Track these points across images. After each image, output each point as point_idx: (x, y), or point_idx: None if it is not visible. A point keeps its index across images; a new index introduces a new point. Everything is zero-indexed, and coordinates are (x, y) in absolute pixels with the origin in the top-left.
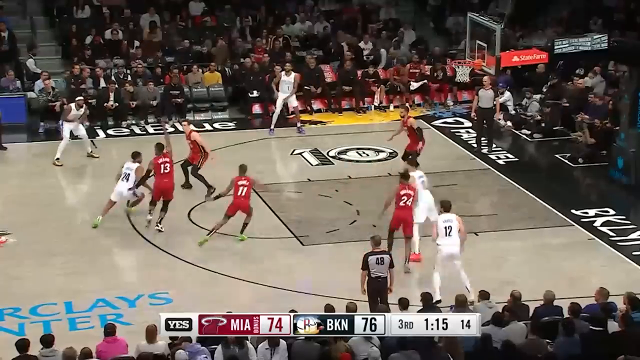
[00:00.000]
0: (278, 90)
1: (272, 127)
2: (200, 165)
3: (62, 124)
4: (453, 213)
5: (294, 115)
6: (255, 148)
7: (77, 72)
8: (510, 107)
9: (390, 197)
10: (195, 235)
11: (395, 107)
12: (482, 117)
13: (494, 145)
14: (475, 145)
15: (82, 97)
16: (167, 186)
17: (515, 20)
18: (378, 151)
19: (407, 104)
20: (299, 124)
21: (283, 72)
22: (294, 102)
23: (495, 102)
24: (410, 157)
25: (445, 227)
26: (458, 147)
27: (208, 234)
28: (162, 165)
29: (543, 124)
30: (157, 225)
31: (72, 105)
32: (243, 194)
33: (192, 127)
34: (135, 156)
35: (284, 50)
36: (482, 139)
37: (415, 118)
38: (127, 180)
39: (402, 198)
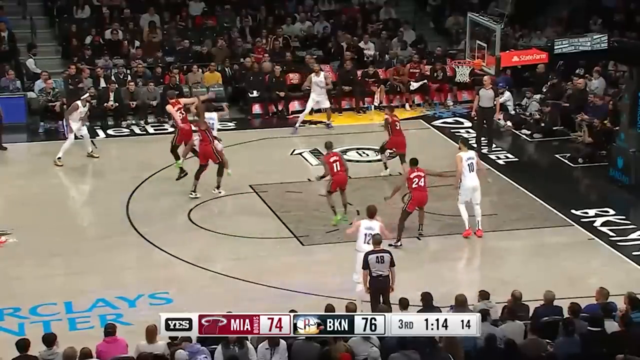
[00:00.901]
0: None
1: (297, 125)
2: (175, 142)
3: (65, 123)
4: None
5: (323, 115)
6: (255, 148)
7: (73, 72)
8: (510, 107)
9: (400, 183)
10: (195, 235)
11: (394, 107)
12: (482, 116)
13: (493, 145)
14: (475, 145)
15: (88, 94)
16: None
17: (515, 20)
18: (378, 151)
19: (389, 105)
20: (327, 122)
21: (313, 73)
22: (325, 103)
23: (495, 102)
24: (461, 139)
25: (469, 164)
26: (457, 147)
27: (335, 215)
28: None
29: (543, 124)
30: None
31: (79, 102)
32: (338, 168)
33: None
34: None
35: (284, 50)
36: (482, 138)
37: (416, 118)
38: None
39: (414, 180)
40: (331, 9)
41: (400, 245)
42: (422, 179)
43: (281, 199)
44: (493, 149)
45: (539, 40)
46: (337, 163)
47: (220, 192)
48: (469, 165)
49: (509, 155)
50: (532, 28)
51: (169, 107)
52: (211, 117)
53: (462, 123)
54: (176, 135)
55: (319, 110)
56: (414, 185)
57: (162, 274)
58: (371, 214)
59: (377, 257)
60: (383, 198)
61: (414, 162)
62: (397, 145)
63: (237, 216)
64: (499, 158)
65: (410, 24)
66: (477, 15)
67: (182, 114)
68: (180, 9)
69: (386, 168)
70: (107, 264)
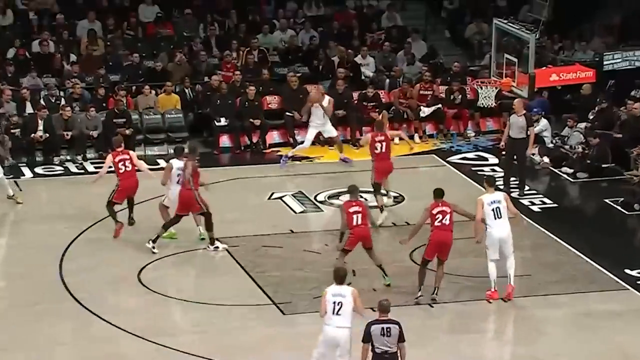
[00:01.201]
0: (303, 117)
1: (289, 155)
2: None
3: None
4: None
5: (333, 146)
6: (224, 191)
7: None
8: (548, 139)
9: (421, 221)
10: (147, 301)
11: (400, 139)
12: (512, 150)
13: (526, 187)
14: (502, 187)
15: (10, 122)
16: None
17: (553, 29)
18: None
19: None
20: (341, 156)
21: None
22: (332, 132)
23: (528, 132)
24: (486, 177)
25: (494, 210)
26: (480, 189)
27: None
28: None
29: (589, 160)
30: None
31: None
32: (359, 222)
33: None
34: (179, 152)
35: (260, 67)
36: (512, 178)
37: (427, 153)
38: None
39: (437, 216)
40: (320, 14)
41: (422, 296)
42: (448, 216)
43: (256, 255)
44: (526, 192)
45: (584, 53)
46: (359, 215)
47: (218, 248)
48: (494, 210)
49: (546, 200)
50: (575, 38)
51: (108, 159)
52: (179, 165)
53: (486, 159)
54: (114, 191)
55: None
56: (436, 223)
57: (104, 350)
58: (340, 278)
59: (383, 328)
60: (399, 241)
61: (438, 194)
62: (382, 172)
63: (200, 277)
64: (533, 204)
65: (420, 33)
66: (505, 22)
67: (127, 167)
68: (127, 14)
69: (382, 211)
70: (35, 338)
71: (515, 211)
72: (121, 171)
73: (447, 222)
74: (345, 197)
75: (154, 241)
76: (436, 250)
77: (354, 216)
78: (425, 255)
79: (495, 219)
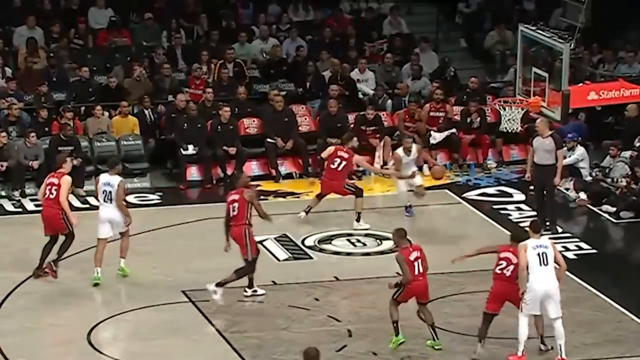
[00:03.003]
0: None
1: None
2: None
3: None
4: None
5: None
6: (193, 234)
7: None
8: (585, 170)
9: (486, 249)
10: None
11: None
12: (540, 180)
13: (558, 228)
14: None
15: None
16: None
17: (592, 37)
18: (380, 238)
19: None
20: (408, 205)
21: (400, 150)
22: (417, 180)
23: (556, 156)
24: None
25: (539, 254)
26: (503, 231)
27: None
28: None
29: (635, 197)
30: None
31: None
32: (420, 270)
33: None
34: (113, 165)
35: (236, 83)
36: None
37: (439, 187)
38: (111, 200)
39: (500, 263)
40: (308, 19)
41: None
42: (511, 267)
43: (232, 312)
44: (558, 234)
45: (629, 67)
46: (419, 261)
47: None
48: (539, 256)
49: (583, 245)
50: (618, 48)
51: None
52: (109, 181)
53: (510, 195)
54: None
55: (289, 176)
56: (497, 270)
57: None
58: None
59: None
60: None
61: (516, 237)
62: (328, 187)
63: (164, 338)
64: (567, 249)
65: (431, 43)
66: (533, 28)
67: (52, 194)
68: (75, 19)
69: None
70: None
71: (563, 263)
72: (45, 196)
73: (509, 274)
74: (387, 244)
75: (218, 285)
76: (497, 305)
77: (415, 264)
78: (487, 309)
79: (541, 265)
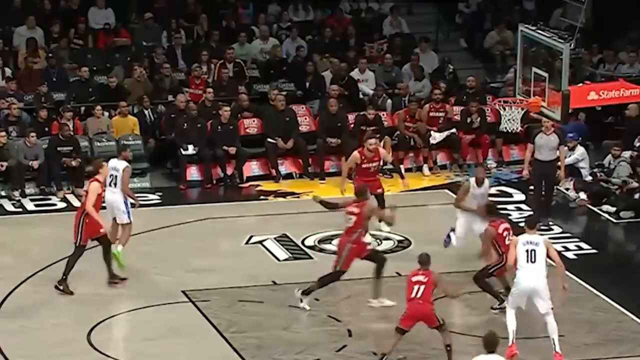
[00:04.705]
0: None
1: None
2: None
3: None
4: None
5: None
6: (192, 234)
7: None
8: (585, 171)
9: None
10: None
11: (406, 169)
12: (540, 176)
13: (558, 228)
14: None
15: None
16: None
17: (592, 37)
18: (381, 238)
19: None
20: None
21: (472, 181)
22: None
23: (558, 154)
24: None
25: (527, 251)
26: None
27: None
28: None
29: (637, 196)
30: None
31: None
32: (419, 294)
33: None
34: (122, 150)
35: (236, 82)
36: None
37: (439, 187)
38: (116, 185)
39: (504, 235)
40: (308, 19)
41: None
42: (422, 287)
43: (231, 312)
44: (564, 235)
45: (629, 67)
46: (421, 287)
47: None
48: (527, 252)
49: (583, 245)
50: (618, 48)
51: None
52: (115, 165)
53: (510, 195)
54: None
55: (289, 176)
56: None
57: None
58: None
59: None
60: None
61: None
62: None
63: (163, 339)
64: (567, 249)
65: (431, 43)
66: (533, 28)
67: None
68: (75, 19)
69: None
70: None
71: (559, 262)
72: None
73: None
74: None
75: (304, 293)
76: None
77: (414, 286)
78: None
79: (528, 262)
